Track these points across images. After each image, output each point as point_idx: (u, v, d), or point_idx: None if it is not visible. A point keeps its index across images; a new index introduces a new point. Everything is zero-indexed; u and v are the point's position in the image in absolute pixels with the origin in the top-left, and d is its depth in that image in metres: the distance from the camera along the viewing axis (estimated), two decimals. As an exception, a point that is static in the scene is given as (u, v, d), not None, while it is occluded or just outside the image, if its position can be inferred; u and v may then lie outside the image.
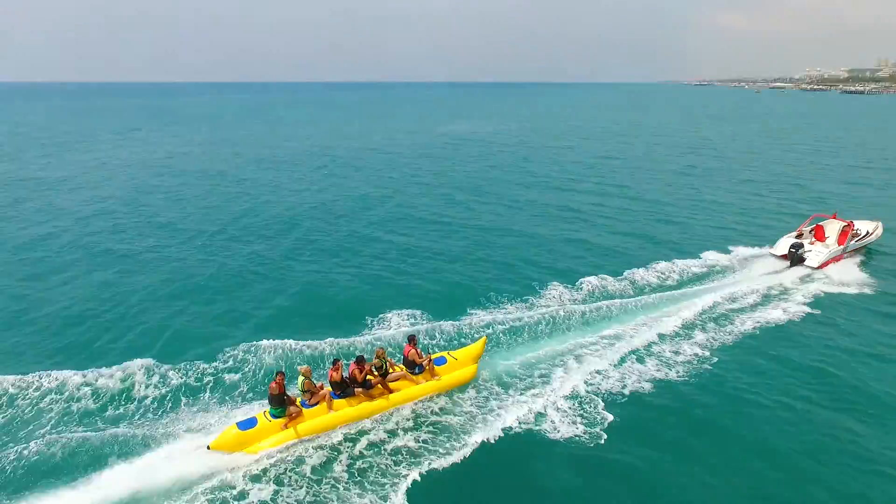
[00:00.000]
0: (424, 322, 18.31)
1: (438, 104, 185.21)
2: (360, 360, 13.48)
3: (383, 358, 14.10)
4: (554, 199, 37.00)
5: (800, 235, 24.74)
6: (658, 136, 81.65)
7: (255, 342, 16.55)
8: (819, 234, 24.65)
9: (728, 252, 25.37)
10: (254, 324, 18.50)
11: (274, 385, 12.37)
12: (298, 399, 12.94)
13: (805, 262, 22.86)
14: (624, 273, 22.60)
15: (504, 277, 22.70)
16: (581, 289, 21.08)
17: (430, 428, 12.92)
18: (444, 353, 15.26)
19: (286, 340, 16.63)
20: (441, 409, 13.77)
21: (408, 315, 18.75)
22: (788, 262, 23.19)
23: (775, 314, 18.71)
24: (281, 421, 12.42)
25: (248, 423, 12.18)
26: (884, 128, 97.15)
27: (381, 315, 18.71)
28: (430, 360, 14.57)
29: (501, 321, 18.42)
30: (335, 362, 13.40)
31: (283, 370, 13.70)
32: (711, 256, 24.80)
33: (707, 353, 16.31)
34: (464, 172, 47.48)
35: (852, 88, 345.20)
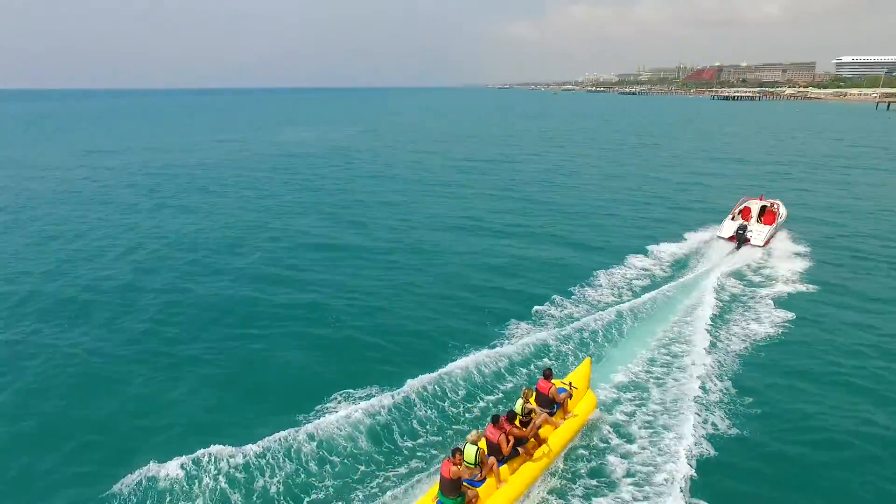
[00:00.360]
0: (381, 392, 13.63)
1: (246, 111, 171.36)
2: (511, 416, 10.84)
3: (531, 401, 11.63)
4: (449, 210, 33.72)
5: (734, 217, 26.49)
6: (505, 136, 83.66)
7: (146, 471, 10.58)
8: (745, 215, 26.71)
9: (646, 253, 24.49)
10: (138, 449, 11.90)
11: (453, 467, 9.46)
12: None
13: (751, 242, 24.70)
14: (573, 292, 20.11)
15: (452, 315, 18.73)
16: (544, 321, 17.90)
17: None
18: (559, 382, 12.57)
19: (203, 451, 11.12)
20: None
21: (363, 394, 13.78)
22: (736, 243, 24.82)
23: (757, 327, 17.46)
24: None
25: None
26: (674, 123, 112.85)
27: (323, 400, 13.52)
28: (569, 392, 12.22)
29: (482, 383, 14.51)
30: (496, 419, 10.67)
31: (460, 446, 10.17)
32: (637, 261, 23.61)
33: (731, 387, 14.22)
34: (333, 185, 41.86)
35: (626, 90, 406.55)
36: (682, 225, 29.43)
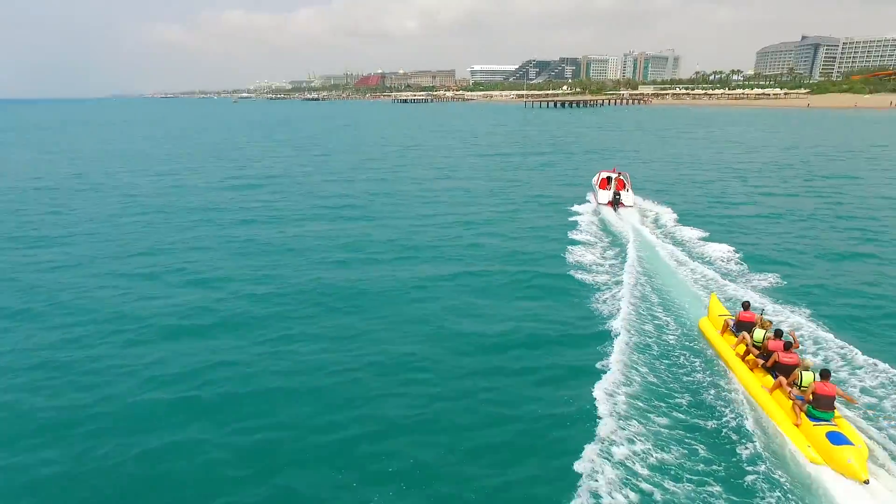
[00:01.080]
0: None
1: None
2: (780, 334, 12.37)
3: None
4: (311, 242, 25.35)
5: (600, 186, 31.47)
6: (272, 148, 72.08)
7: None
8: (603, 184, 31.63)
9: (557, 254, 22.65)
10: None
11: (829, 384, 10.00)
12: None
13: (624, 204, 29.58)
14: (542, 343, 15.44)
15: (501, 401, 13.08)
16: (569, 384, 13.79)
17: None
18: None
19: None
20: None
21: None
22: (613, 207, 29.57)
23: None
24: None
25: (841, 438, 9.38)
26: (396, 126, 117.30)
27: None
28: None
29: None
30: (788, 346, 11.70)
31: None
32: (555, 265, 21.53)
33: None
34: (102, 232, 27.53)
35: (307, 97, 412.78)
36: (553, 216, 28.89)
